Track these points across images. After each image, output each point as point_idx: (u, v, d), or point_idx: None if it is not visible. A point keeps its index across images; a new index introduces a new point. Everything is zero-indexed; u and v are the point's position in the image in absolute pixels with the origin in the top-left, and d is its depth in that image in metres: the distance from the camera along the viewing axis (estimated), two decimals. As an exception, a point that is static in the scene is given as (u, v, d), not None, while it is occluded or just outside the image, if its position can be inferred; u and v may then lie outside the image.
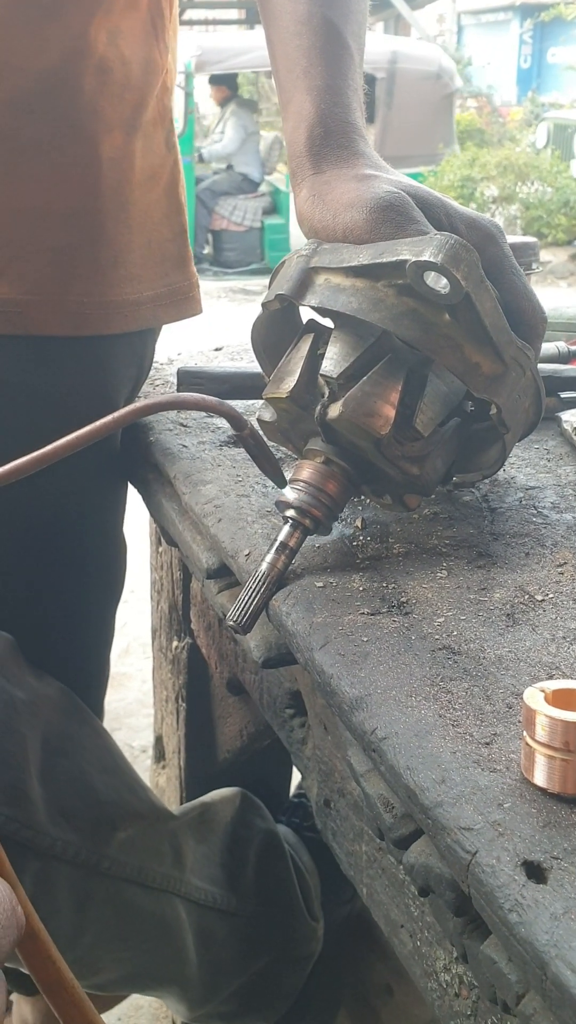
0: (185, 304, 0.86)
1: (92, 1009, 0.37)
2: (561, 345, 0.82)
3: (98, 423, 0.54)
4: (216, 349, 1.04)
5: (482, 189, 7.79)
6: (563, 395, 0.76)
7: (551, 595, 0.52)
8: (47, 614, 0.86)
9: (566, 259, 7.36)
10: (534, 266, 0.91)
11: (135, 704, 1.86)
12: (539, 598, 0.52)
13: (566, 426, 0.73)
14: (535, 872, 0.34)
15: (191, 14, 11.84)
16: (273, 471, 0.61)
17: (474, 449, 0.62)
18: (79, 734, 0.76)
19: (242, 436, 0.59)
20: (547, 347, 0.82)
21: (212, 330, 1.46)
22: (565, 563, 0.56)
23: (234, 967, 0.89)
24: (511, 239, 0.84)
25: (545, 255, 7.24)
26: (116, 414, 0.54)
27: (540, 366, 0.76)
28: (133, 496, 0.89)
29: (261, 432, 0.64)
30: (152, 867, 0.77)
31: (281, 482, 0.61)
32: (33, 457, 0.53)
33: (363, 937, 1.03)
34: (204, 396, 0.56)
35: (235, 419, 0.58)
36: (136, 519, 1.05)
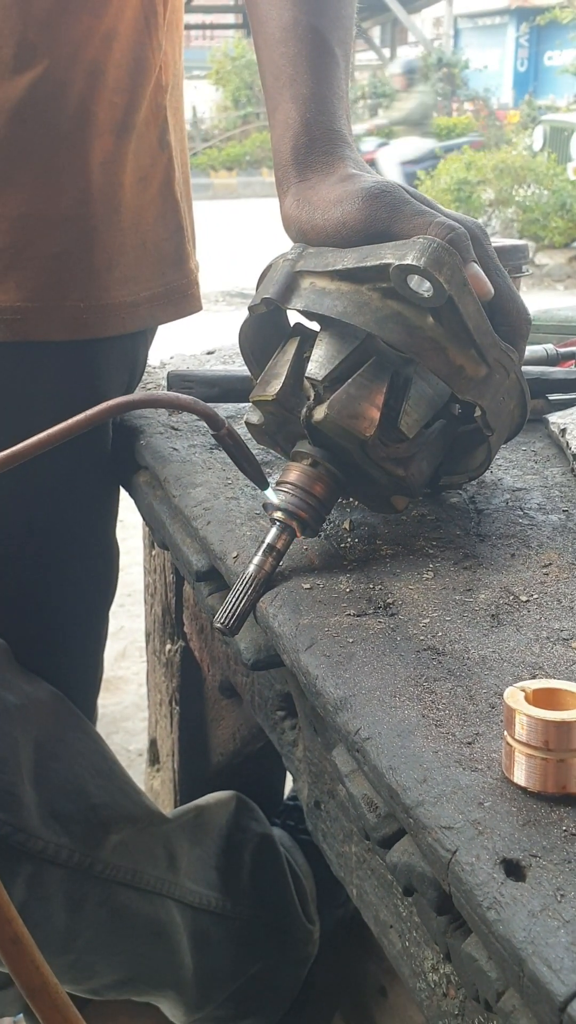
0: (184, 302, 0.86)
1: (76, 1015, 0.37)
2: (550, 347, 0.83)
3: (71, 420, 0.54)
4: (208, 352, 1.04)
5: (479, 192, 7.80)
6: (551, 397, 0.76)
7: (536, 596, 0.53)
8: (39, 618, 0.86)
9: (563, 262, 7.36)
10: (524, 269, 0.91)
11: (131, 708, 1.86)
12: (524, 599, 0.52)
13: (553, 428, 0.74)
14: (514, 870, 0.34)
15: (187, 19, 11.88)
16: (253, 471, 0.61)
17: (460, 451, 0.62)
18: (71, 738, 0.76)
19: (219, 435, 0.59)
20: (536, 349, 0.82)
21: (208, 334, 1.46)
22: (550, 564, 0.56)
23: (230, 970, 0.89)
24: (503, 242, 0.84)
25: (542, 258, 7.25)
26: (89, 412, 0.55)
27: (528, 368, 0.77)
28: (128, 500, 0.89)
29: (248, 432, 0.64)
30: (146, 870, 0.77)
31: (261, 482, 0.61)
32: (5, 455, 0.53)
33: (357, 939, 1.03)
34: (179, 395, 0.56)
35: (211, 418, 0.58)
36: (132, 522, 1.06)
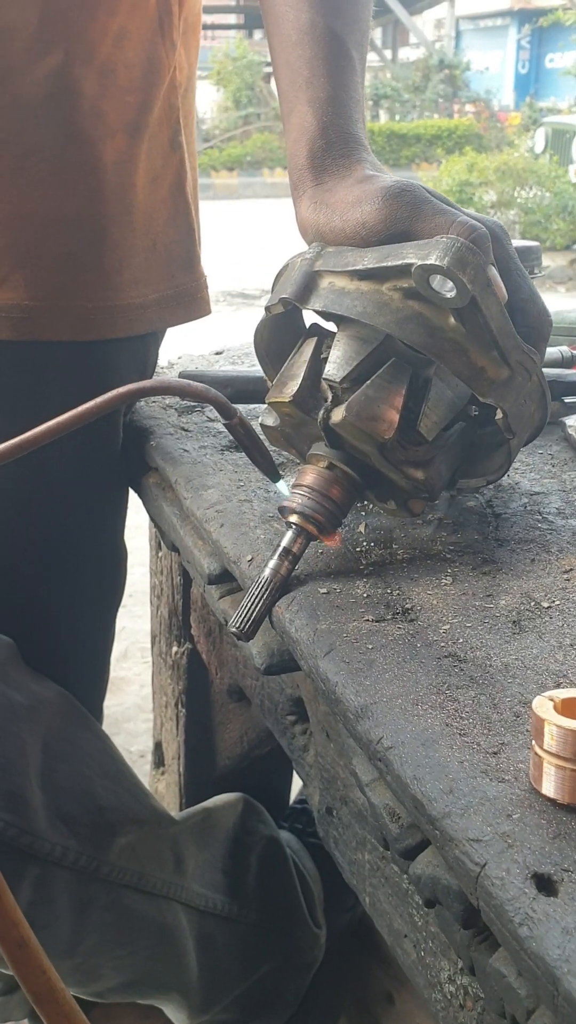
0: (193, 305, 0.85)
1: (83, 1019, 0.36)
2: (565, 350, 0.82)
3: (81, 408, 0.53)
4: (217, 353, 1.03)
5: (480, 194, 7.79)
6: (567, 400, 0.76)
7: (557, 602, 0.52)
8: (47, 618, 0.85)
9: (565, 264, 7.36)
10: (536, 271, 0.91)
11: (133, 709, 1.85)
12: (545, 605, 0.52)
13: (570, 431, 0.73)
14: (545, 885, 0.34)
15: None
16: (265, 463, 0.60)
17: (479, 454, 0.61)
18: (79, 739, 0.75)
19: (231, 425, 0.58)
20: (551, 352, 0.81)
21: (210, 334, 1.46)
22: (571, 569, 0.55)
23: (235, 974, 0.88)
24: (516, 243, 0.83)
25: (543, 260, 7.24)
26: (99, 399, 0.54)
27: (544, 371, 0.76)
28: (134, 500, 0.89)
29: (263, 434, 0.63)
30: (153, 873, 0.77)
31: (273, 474, 0.60)
32: (13, 443, 0.52)
33: (364, 945, 1.02)
34: (190, 382, 0.55)
35: (222, 407, 0.57)
36: (137, 523, 1.05)
